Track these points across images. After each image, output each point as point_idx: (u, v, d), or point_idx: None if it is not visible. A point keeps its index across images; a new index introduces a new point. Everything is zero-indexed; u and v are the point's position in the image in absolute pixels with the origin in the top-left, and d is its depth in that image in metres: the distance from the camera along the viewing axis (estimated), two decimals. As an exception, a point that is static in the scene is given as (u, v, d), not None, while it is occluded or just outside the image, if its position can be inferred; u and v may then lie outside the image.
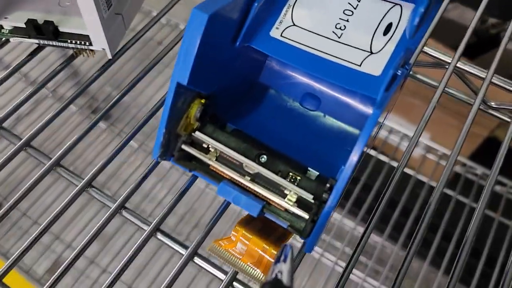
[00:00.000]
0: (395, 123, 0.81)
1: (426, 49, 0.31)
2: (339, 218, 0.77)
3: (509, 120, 0.31)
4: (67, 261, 0.23)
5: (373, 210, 0.24)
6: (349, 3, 0.23)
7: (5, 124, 0.28)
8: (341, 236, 0.78)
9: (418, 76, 0.33)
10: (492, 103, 0.32)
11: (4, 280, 0.23)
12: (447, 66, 0.31)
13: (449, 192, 0.74)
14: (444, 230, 0.71)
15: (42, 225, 0.24)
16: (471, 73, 0.31)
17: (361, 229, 0.76)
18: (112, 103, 0.28)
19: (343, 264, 0.70)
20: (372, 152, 0.77)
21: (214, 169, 0.23)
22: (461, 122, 0.28)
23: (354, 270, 0.68)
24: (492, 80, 0.30)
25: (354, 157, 0.18)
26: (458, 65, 0.31)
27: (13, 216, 0.73)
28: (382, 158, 0.78)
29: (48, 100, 0.80)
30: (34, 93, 0.29)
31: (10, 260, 0.24)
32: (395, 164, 0.74)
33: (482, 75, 0.30)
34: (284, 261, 0.18)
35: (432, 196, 0.25)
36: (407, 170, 0.75)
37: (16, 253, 0.24)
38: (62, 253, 0.72)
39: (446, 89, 0.32)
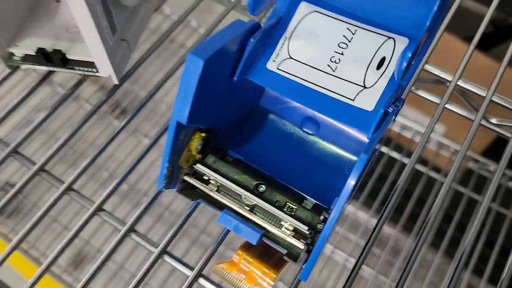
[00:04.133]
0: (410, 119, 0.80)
1: (427, 67, 0.32)
2: (353, 210, 0.78)
3: (510, 135, 0.31)
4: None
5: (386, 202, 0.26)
6: (344, 35, 0.24)
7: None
8: (355, 228, 0.79)
9: (420, 92, 0.34)
10: (493, 120, 0.32)
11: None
12: (448, 84, 0.31)
13: (461, 189, 0.74)
14: (458, 223, 0.71)
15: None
16: (471, 91, 0.31)
17: (375, 221, 0.77)
18: (136, 111, 0.30)
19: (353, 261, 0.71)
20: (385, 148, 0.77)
21: (215, 199, 0.24)
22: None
23: (364, 266, 0.70)
24: (492, 99, 0.30)
25: (342, 200, 0.19)
26: (458, 83, 0.31)
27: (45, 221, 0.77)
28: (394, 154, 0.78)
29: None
30: (46, 118, 0.30)
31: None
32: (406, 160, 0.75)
33: (483, 93, 0.31)
34: None
35: (442, 189, 0.26)
36: (421, 166, 0.75)
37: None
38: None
39: (447, 105, 0.32)
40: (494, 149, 0.83)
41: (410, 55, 0.19)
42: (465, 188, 0.73)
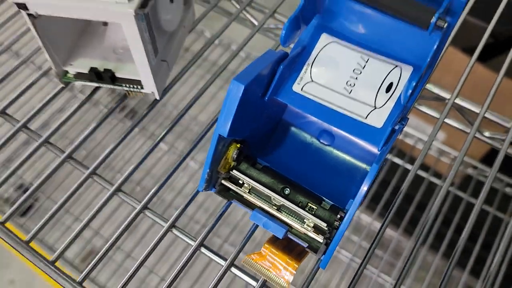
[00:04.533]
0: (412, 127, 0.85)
1: (428, 86, 0.36)
2: (357, 213, 0.82)
3: (500, 147, 0.36)
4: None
5: (390, 205, 0.30)
6: (358, 63, 0.28)
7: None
8: (358, 230, 0.84)
9: (422, 108, 0.38)
10: (486, 133, 0.36)
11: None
12: (446, 101, 0.36)
13: (460, 194, 0.79)
14: (457, 227, 0.75)
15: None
16: (467, 108, 0.36)
17: (378, 224, 0.82)
18: (173, 123, 0.34)
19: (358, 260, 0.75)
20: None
21: (248, 200, 0.28)
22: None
23: (368, 266, 0.75)
24: (485, 115, 0.35)
25: (357, 201, 0.24)
26: (456, 101, 0.36)
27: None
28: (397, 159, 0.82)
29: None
30: (98, 126, 0.34)
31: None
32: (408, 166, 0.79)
33: (477, 110, 0.35)
34: None
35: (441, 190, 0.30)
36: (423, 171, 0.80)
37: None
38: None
39: (446, 120, 0.36)
40: (492, 157, 0.87)
41: (414, 83, 0.23)
42: (464, 193, 0.78)
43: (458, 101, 0.36)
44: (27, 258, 0.31)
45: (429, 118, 0.96)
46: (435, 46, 0.24)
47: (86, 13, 0.29)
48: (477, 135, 0.36)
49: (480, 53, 0.38)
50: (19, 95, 0.36)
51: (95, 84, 0.34)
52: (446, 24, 0.22)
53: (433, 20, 0.22)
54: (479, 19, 0.92)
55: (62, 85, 0.35)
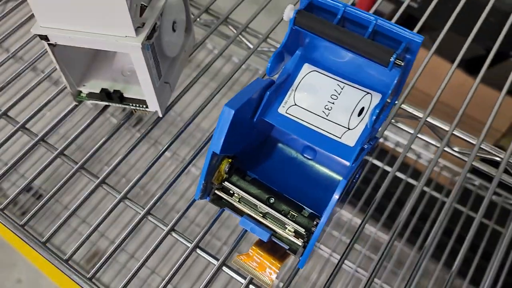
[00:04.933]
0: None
1: (403, 106, 0.40)
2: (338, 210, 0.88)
3: (467, 159, 0.40)
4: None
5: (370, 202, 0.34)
6: (335, 90, 0.32)
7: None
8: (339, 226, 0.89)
9: (399, 124, 0.42)
10: (456, 148, 0.40)
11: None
12: (419, 120, 0.40)
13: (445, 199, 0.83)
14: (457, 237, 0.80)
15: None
16: (437, 126, 0.40)
17: (358, 220, 0.87)
18: (178, 134, 0.39)
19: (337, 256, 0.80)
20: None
21: (238, 208, 0.32)
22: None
23: (346, 261, 0.79)
24: (454, 132, 0.39)
25: (328, 211, 0.28)
26: (428, 119, 0.40)
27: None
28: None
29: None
30: (109, 138, 0.39)
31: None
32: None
33: (447, 128, 0.39)
34: None
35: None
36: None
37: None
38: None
39: (419, 135, 0.41)
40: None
41: (377, 111, 0.27)
42: (464, 207, 0.83)
43: (429, 119, 0.40)
44: (44, 257, 0.35)
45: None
46: (395, 81, 0.28)
47: (98, 44, 0.33)
48: (447, 149, 0.40)
49: (470, 65, 0.42)
50: (38, 111, 0.40)
51: (105, 103, 0.39)
52: (403, 63, 0.27)
53: (392, 59, 0.26)
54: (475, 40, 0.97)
55: (75, 103, 0.40)
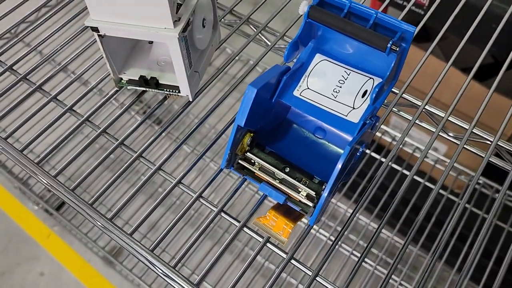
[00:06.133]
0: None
1: (404, 95, 0.45)
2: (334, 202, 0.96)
3: (459, 143, 0.44)
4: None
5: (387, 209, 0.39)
6: (342, 76, 0.38)
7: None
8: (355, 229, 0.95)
9: (401, 113, 0.47)
10: (451, 133, 0.45)
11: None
12: (418, 107, 0.45)
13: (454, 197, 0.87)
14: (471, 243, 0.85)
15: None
16: (434, 112, 0.45)
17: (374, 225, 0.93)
18: (194, 129, 0.44)
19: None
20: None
21: (257, 175, 0.38)
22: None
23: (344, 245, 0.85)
24: (449, 118, 0.44)
25: (331, 178, 0.33)
26: (426, 107, 0.45)
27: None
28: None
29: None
30: (142, 122, 0.45)
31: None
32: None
33: (442, 114, 0.44)
34: None
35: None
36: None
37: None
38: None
39: (417, 122, 0.46)
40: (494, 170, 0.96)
41: (377, 89, 0.33)
42: (480, 210, 0.87)
43: (427, 107, 0.45)
44: (111, 232, 0.38)
45: (428, 131, 1.07)
46: (393, 64, 0.33)
47: (141, 35, 0.39)
48: (443, 134, 0.45)
49: (479, 72, 0.46)
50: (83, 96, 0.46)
51: (143, 88, 0.44)
52: (399, 48, 0.32)
53: (389, 45, 0.31)
54: (477, 45, 1.02)
55: (116, 89, 0.46)
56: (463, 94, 0.44)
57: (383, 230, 0.90)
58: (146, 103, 1.23)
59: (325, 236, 0.91)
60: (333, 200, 1.00)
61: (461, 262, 0.84)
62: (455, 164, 0.94)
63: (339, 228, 0.94)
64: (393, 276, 0.86)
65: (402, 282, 0.85)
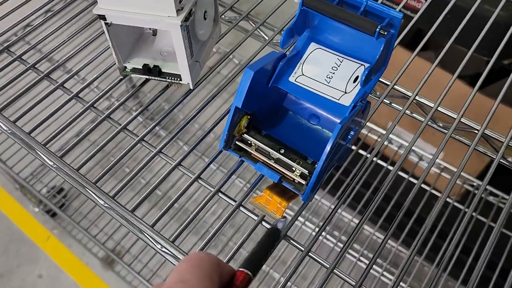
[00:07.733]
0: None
1: (396, 87, 0.48)
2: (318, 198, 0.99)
3: (447, 131, 0.46)
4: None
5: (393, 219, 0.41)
6: (335, 63, 0.40)
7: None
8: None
9: (393, 104, 0.49)
10: (440, 124, 0.47)
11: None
12: (408, 97, 0.47)
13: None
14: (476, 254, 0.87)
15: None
16: (424, 103, 0.47)
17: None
18: (184, 125, 0.46)
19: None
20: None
21: (254, 156, 0.39)
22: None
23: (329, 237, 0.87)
24: (438, 108, 0.46)
25: (324, 154, 0.35)
26: (416, 98, 0.47)
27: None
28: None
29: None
30: (145, 109, 0.47)
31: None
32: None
33: (431, 104, 0.46)
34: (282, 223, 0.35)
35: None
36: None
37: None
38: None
39: (407, 111, 0.48)
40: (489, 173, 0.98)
41: (366, 72, 0.35)
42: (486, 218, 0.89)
43: (417, 98, 0.47)
44: (131, 223, 0.39)
45: (428, 136, 1.09)
46: (381, 48, 0.35)
47: (146, 23, 0.41)
48: (431, 124, 0.47)
49: (476, 80, 0.48)
50: (88, 85, 0.48)
51: (146, 77, 0.47)
52: (387, 33, 0.34)
53: (377, 29, 0.34)
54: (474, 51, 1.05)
55: (121, 77, 0.48)
56: (454, 93, 0.46)
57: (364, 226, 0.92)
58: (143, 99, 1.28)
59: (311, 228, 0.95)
60: (343, 213, 1.03)
61: (440, 257, 0.86)
62: (450, 167, 0.95)
63: (341, 236, 0.96)
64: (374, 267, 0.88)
65: (384, 273, 0.88)
